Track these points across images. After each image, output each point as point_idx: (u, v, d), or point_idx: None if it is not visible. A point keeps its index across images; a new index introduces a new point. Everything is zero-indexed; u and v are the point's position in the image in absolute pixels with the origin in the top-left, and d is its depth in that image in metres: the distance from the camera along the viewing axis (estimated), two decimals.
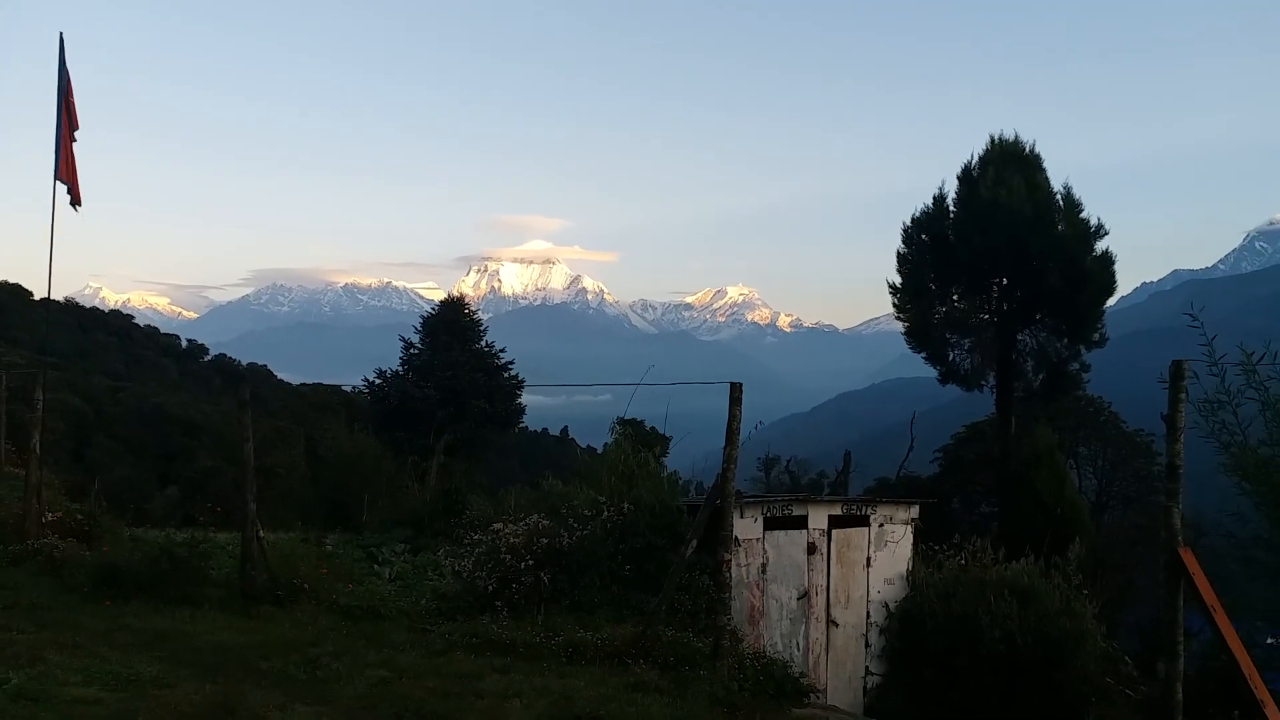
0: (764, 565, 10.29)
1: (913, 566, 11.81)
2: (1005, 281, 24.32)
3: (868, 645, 11.40)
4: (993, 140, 24.58)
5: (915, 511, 12.06)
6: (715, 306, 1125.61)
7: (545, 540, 9.96)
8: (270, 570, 10.18)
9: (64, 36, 11.38)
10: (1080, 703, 10.40)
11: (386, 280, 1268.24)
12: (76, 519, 12.62)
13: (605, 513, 10.11)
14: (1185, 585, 6.39)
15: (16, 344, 55.40)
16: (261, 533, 10.38)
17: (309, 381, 70.97)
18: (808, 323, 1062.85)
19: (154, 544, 11.03)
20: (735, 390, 8.16)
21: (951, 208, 24.80)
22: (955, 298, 24.99)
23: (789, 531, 10.56)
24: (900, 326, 25.79)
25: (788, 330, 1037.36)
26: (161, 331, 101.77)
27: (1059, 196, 23.89)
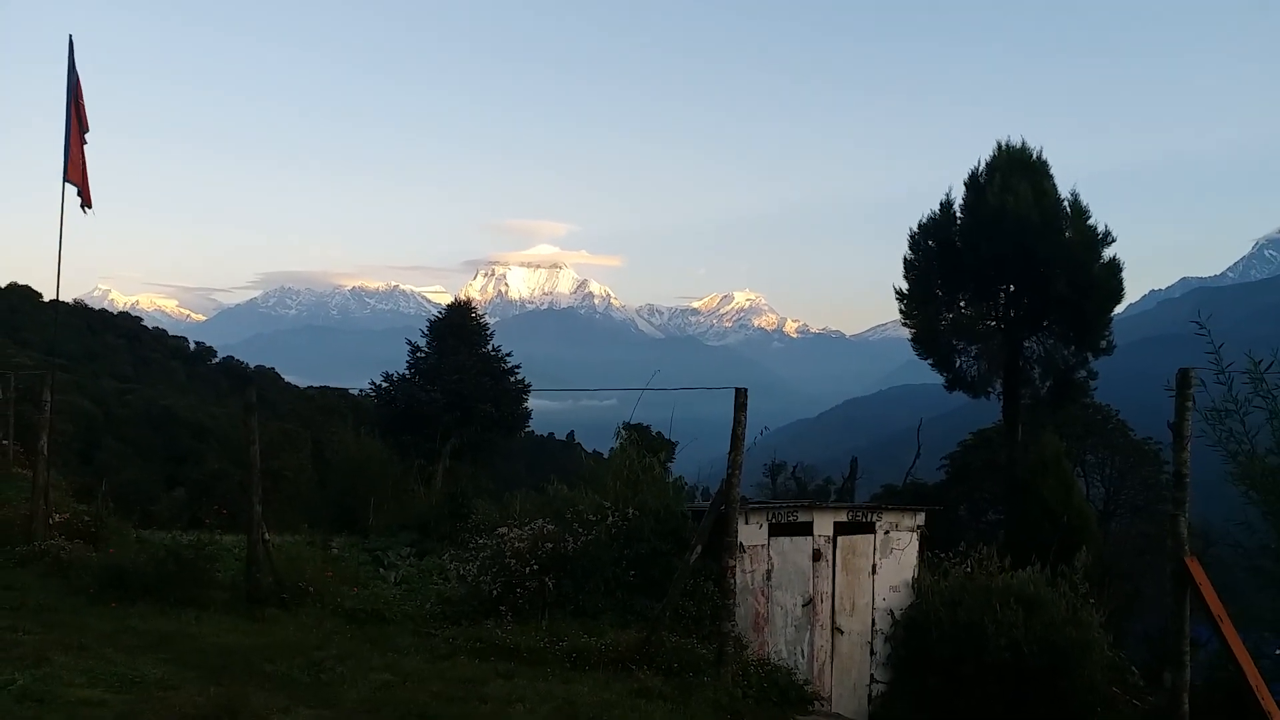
0: (769, 572, 10.27)
1: (918, 574, 11.76)
2: (1012, 288, 24.26)
3: (873, 653, 11.36)
4: (1000, 146, 24.54)
5: (921, 519, 12.02)
6: (722, 312, 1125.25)
7: (550, 545, 9.96)
8: (275, 573, 10.19)
9: (73, 39, 11.45)
10: (1086, 712, 10.34)
11: (394, 284, 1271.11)
12: (84, 520, 12.66)
13: (610, 518, 10.11)
14: (1192, 595, 6.37)
15: (26, 345, 55.66)
16: (267, 535, 10.41)
17: (316, 384, 71.11)
18: (815, 328, 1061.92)
19: (160, 546, 11.06)
20: (740, 396, 8.15)
21: (958, 214, 24.76)
22: (962, 304, 24.94)
23: (794, 538, 10.53)
24: (907, 333, 25.75)
25: (795, 336, 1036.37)
26: (170, 334, 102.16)
27: (1066, 203, 23.81)
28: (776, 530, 10.34)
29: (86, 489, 18.79)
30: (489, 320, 37.95)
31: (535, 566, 9.73)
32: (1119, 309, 24.80)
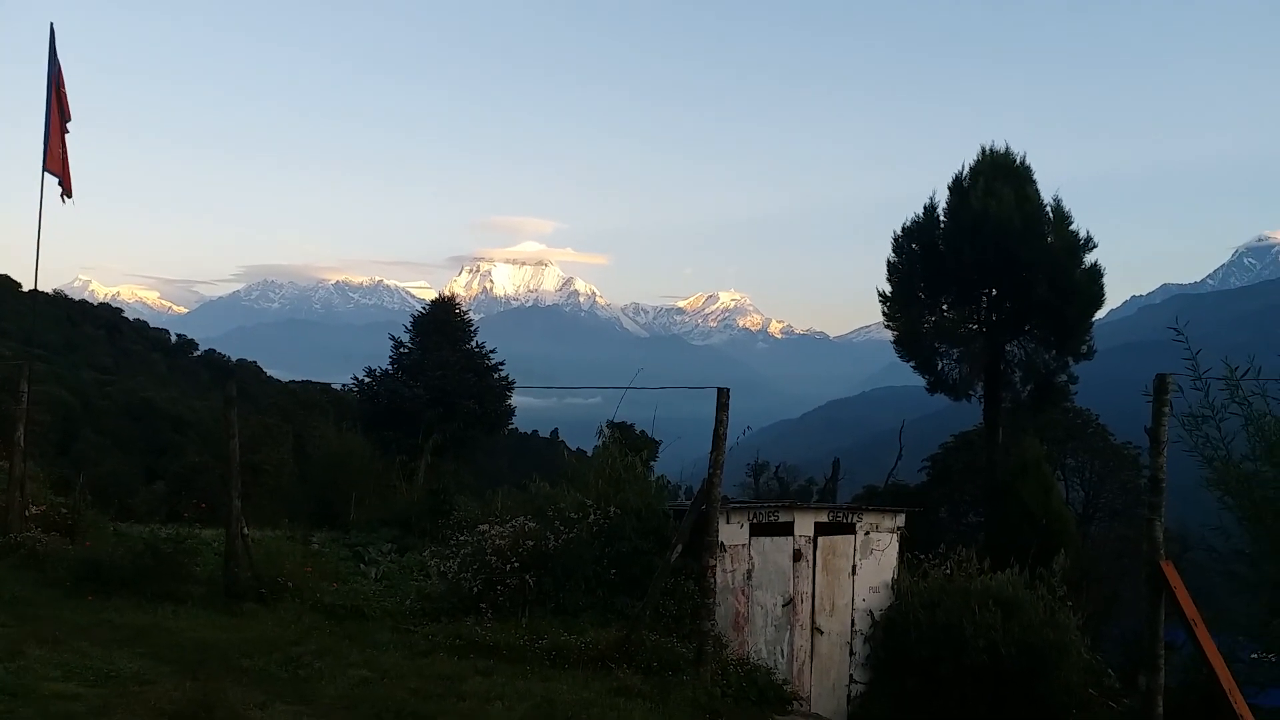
0: (749, 571, 10.30)
1: (898, 575, 11.82)
2: (994, 292, 24.45)
3: (852, 653, 11.41)
4: (983, 151, 24.72)
5: (901, 520, 12.08)
6: (707, 311, 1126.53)
7: (531, 543, 9.94)
8: (254, 568, 10.15)
9: (54, 28, 11.34)
10: (1062, 714, 10.43)
11: (378, 279, 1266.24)
12: (60, 513, 12.55)
13: (592, 516, 10.10)
14: (1166, 599, 6.42)
15: (4, 336, 55.15)
16: (246, 530, 10.35)
17: (298, 379, 70.79)
18: (799, 329, 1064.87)
19: (138, 540, 10.98)
20: (722, 395, 8.17)
21: (942, 218, 24.92)
22: (945, 307, 25.10)
23: (775, 538, 10.56)
24: (890, 335, 25.88)
25: (779, 336, 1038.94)
26: (151, 326, 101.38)
27: (1049, 208, 24.02)
28: (757, 530, 10.36)
29: (64, 481, 18.59)
30: (473, 317, 37.86)
31: (516, 564, 9.71)
32: (1100, 314, 25.03)
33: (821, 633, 11.02)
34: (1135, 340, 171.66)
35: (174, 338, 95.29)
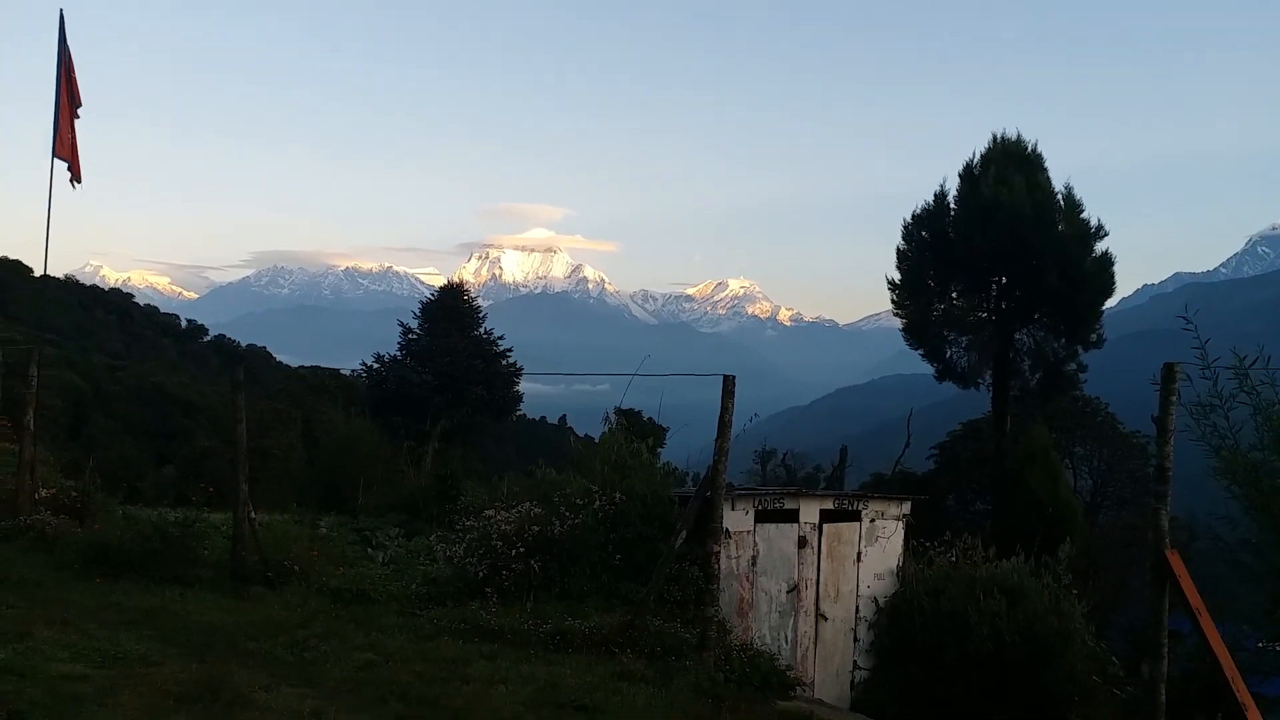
0: (754, 558, 10.30)
1: (903, 562, 11.82)
2: (1004, 280, 24.32)
3: (856, 640, 11.42)
4: (995, 139, 24.56)
5: (907, 507, 12.07)
6: (716, 299, 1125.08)
7: (537, 528, 9.98)
8: (261, 551, 10.21)
9: (64, 14, 11.34)
10: (1065, 701, 10.43)
11: (388, 265, 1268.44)
12: (70, 496, 12.64)
13: (597, 502, 10.12)
14: (1171, 587, 6.41)
15: (16, 320, 55.42)
16: (253, 514, 10.41)
17: (308, 364, 71.04)
18: (808, 317, 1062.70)
19: (146, 523, 11.06)
20: (728, 382, 8.17)
21: (952, 205, 24.77)
22: (954, 295, 24.99)
23: (780, 525, 10.56)
24: (899, 323, 25.80)
25: (788, 324, 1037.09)
26: (161, 311, 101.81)
27: (1060, 196, 23.87)
28: (763, 517, 10.37)
29: (75, 465, 18.75)
30: (483, 303, 37.96)
31: (521, 549, 9.75)
32: (1111, 303, 24.88)
33: (826, 619, 11.03)
34: (1147, 329, 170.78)
35: (184, 323, 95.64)
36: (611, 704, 6.78)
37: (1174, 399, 6.47)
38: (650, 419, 23.25)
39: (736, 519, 10.00)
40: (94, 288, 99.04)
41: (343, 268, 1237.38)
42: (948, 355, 24.93)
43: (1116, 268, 23.56)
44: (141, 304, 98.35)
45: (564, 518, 10.06)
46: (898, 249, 25.36)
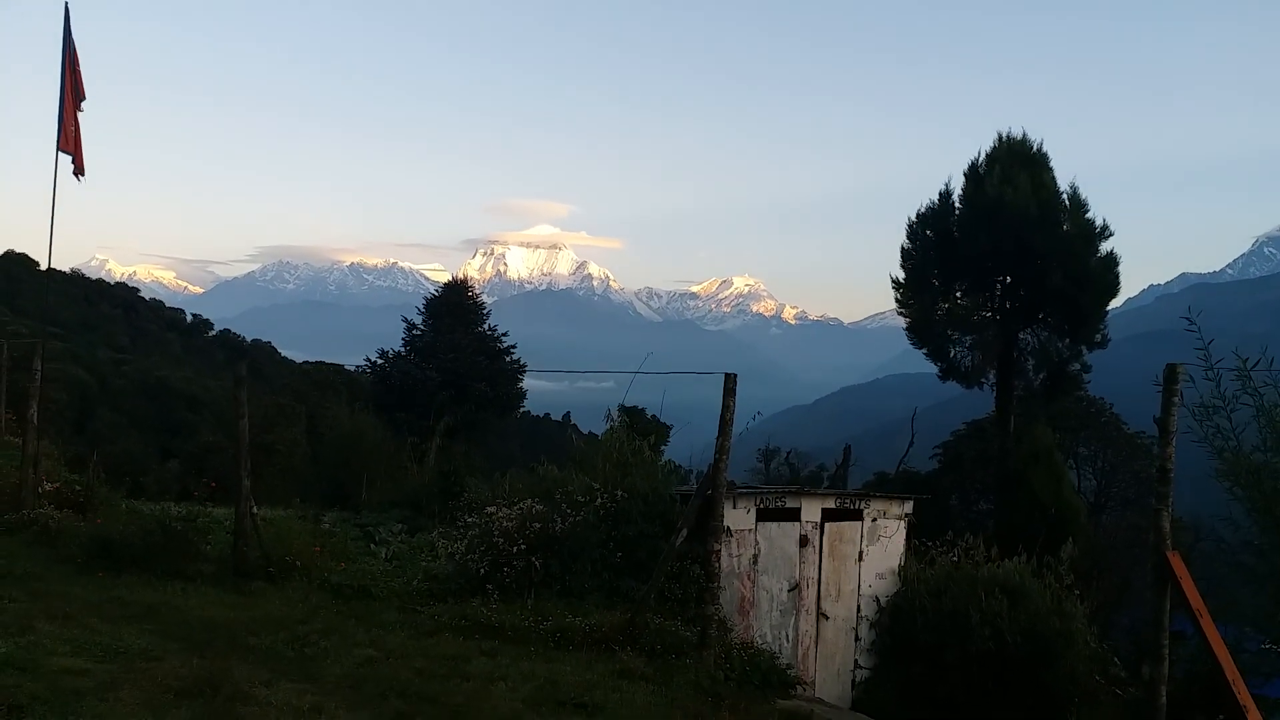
0: (755, 556, 10.30)
1: (905, 562, 11.81)
2: (1008, 280, 24.27)
3: (857, 639, 11.41)
4: (1000, 138, 24.49)
5: (909, 507, 12.06)
6: (721, 296, 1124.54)
7: (538, 525, 9.98)
8: (263, 547, 10.22)
9: (69, 7, 11.36)
10: (1066, 702, 10.42)
11: (393, 260, 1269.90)
12: (74, 490, 12.68)
13: (599, 499, 10.12)
14: (1173, 589, 6.40)
15: (22, 314, 55.54)
16: (255, 509, 10.42)
17: (312, 359, 71.13)
18: (813, 315, 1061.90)
19: (149, 517, 11.08)
20: (729, 381, 8.16)
21: (957, 204, 24.73)
22: (958, 294, 24.95)
23: (782, 523, 10.56)
24: (904, 322, 25.77)
25: (792, 322, 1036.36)
26: (167, 305, 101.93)
27: (1065, 196, 23.80)
28: (764, 515, 10.36)
29: (79, 458, 18.78)
30: (487, 300, 37.94)
31: (523, 546, 9.76)
32: (1117, 303, 24.81)
33: (827, 618, 11.03)
34: (1152, 329, 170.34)
35: (190, 317, 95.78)
36: (611, 702, 6.79)
37: (1176, 400, 6.44)
38: (654, 416, 23.25)
39: (738, 517, 10.00)
40: (100, 281, 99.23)
41: (348, 263, 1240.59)
42: (952, 355, 24.89)
43: (1122, 268, 23.50)
44: (147, 298, 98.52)
45: (565, 515, 10.07)
46: (902, 248, 25.33)
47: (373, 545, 13.98)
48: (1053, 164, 24.19)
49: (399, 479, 21.88)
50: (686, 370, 9.91)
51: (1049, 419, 23.79)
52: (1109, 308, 24.11)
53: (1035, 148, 24.28)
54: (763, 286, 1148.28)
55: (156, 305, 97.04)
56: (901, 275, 25.23)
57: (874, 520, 11.54)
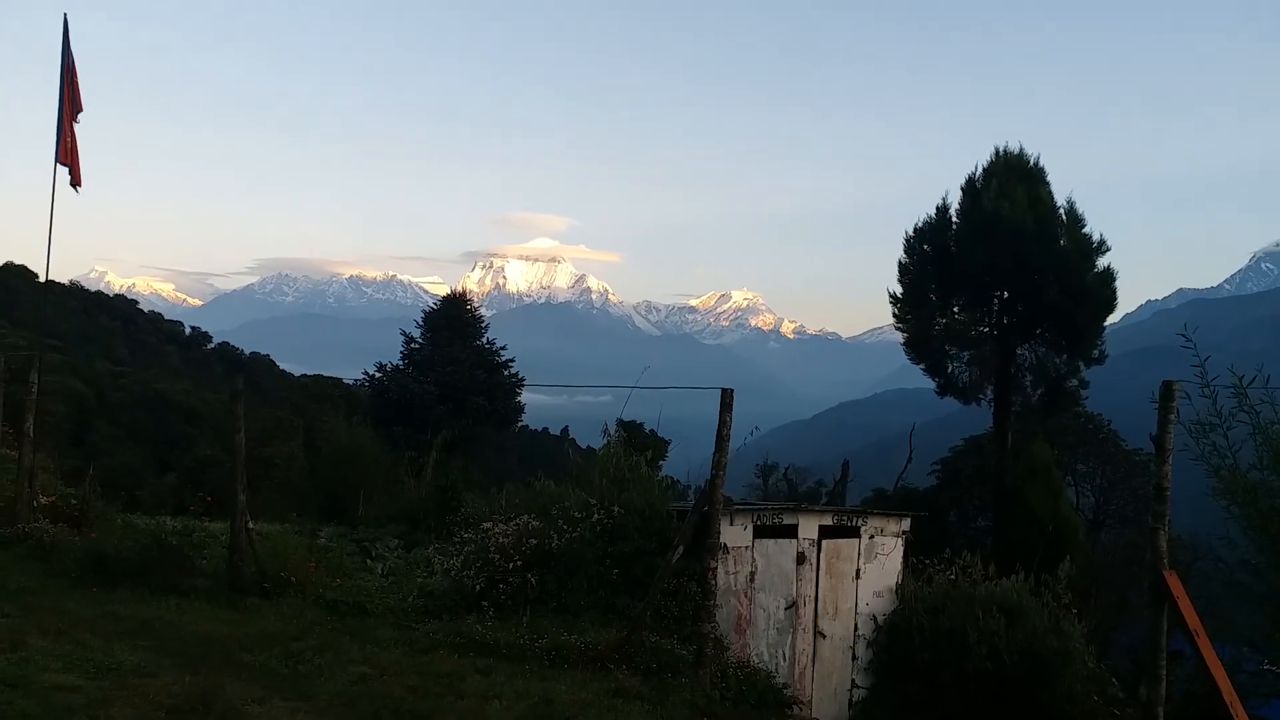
0: (752, 574, 10.27)
1: (902, 580, 11.77)
2: (1006, 295, 24.32)
3: (854, 658, 11.36)
4: (997, 152, 24.58)
5: (906, 524, 12.03)
6: (719, 310, 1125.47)
7: (534, 541, 9.94)
8: (259, 562, 10.17)
9: (68, 19, 11.40)
10: None
11: (392, 273, 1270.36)
12: (69, 504, 12.63)
13: (595, 515, 10.08)
14: (1170, 608, 6.38)
15: (20, 326, 55.54)
16: (251, 524, 10.38)
17: (310, 372, 71.11)
18: (811, 330, 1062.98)
19: (145, 531, 11.04)
20: (726, 396, 8.15)
21: (954, 219, 24.80)
22: (956, 309, 24.99)
23: (779, 540, 10.53)
24: (902, 337, 25.79)
25: (791, 337, 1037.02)
26: (166, 318, 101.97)
27: (1062, 211, 23.88)
28: (761, 532, 10.33)
29: (76, 472, 18.74)
30: (485, 313, 37.93)
31: (519, 562, 9.71)
32: (1114, 318, 24.86)
33: (824, 636, 10.98)
34: (1150, 345, 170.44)
35: (188, 330, 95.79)
36: None
37: (1172, 417, 6.44)
38: (651, 431, 23.22)
39: (735, 534, 9.97)
40: (98, 294, 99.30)
41: (347, 276, 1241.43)
42: (949, 370, 24.91)
43: (1121, 283, 23.58)
44: (146, 310, 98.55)
45: (562, 531, 10.03)
46: (899, 262, 25.39)
47: (369, 561, 13.94)
48: (1050, 179, 24.32)
49: (396, 493, 21.84)
50: (685, 385, 9.90)
51: (1047, 435, 23.78)
52: (1106, 323, 24.16)
53: (1032, 162, 24.37)
54: (761, 301, 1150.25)
55: (155, 317, 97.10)
56: (899, 290, 25.28)
57: (871, 538, 11.51)
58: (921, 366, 25.24)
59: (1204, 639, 6.29)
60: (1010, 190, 23.21)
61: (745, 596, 10.18)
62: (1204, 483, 7.71)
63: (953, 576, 11.62)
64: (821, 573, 10.97)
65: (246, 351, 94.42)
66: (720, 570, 9.01)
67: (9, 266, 74.26)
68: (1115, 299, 23.60)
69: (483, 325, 35.37)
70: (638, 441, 14.67)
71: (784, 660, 10.51)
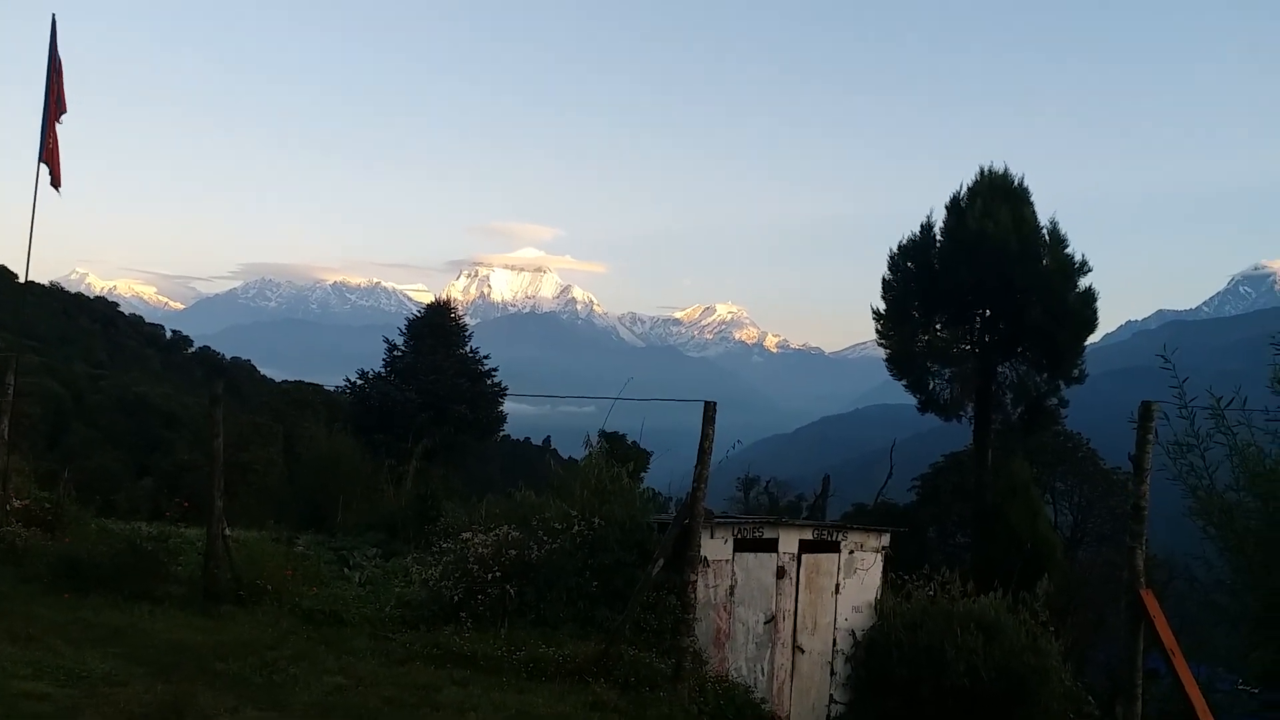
0: (732, 587, 10.26)
1: (881, 595, 11.78)
2: (988, 313, 24.48)
3: (833, 673, 11.35)
4: (982, 172, 24.77)
5: (886, 540, 12.05)
6: (704, 323, 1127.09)
7: (514, 552, 9.89)
8: (234, 569, 10.08)
9: (56, 19, 11.32)
10: None
11: (376, 280, 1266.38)
12: (44, 507, 12.45)
13: (576, 527, 10.04)
14: (1146, 627, 6.40)
15: None
16: (228, 530, 10.29)
17: (292, 378, 70.70)
18: (795, 344, 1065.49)
19: (120, 537, 10.91)
20: (708, 410, 8.15)
21: (938, 237, 24.96)
22: (938, 327, 25.12)
23: (759, 554, 10.53)
24: (884, 353, 25.89)
25: (774, 350, 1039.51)
26: (147, 321, 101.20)
27: (1045, 231, 24.08)
28: (742, 546, 10.33)
29: (51, 475, 18.50)
30: (469, 321, 37.86)
31: (498, 573, 9.66)
32: (1094, 338, 25.04)
33: (803, 651, 10.97)
34: (1130, 365, 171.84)
35: (169, 333, 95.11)
36: None
37: (1151, 438, 6.48)
38: (634, 443, 23.19)
39: (715, 547, 9.96)
40: (78, 295, 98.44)
41: (331, 282, 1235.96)
42: (931, 387, 25.03)
43: (1101, 303, 23.78)
44: (127, 313, 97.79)
45: (542, 542, 9.98)
46: (883, 279, 25.51)
47: (346, 569, 13.82)
48: (1034, 199, 24.52)
49: (375, 502, 21.67)
50: (668, 397, 9.90)
51: (1026, 453, 23.93)
52: (1087, 343, 24.34)
53: (1016, 182, 24.57)
54: (745, 314, 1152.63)
55: (136, 320, 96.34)
56: (883, 306, 25.40)
57: (851, 553, 11.52)
58: (903, 383, 25.35)
59: (1179, 658, 6.32)
60: (994, 210, 23.39)
61: (725, 610, 10.16)
62: (1180, 502, 7.75)
63: (931, 593, 11.64)
64: (801, 587, 10.96)
65: (228, 356, 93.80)
66: (700, 584, 8.99)
67: None
68: (1096, 319, 23.81)
69: (466, 334, 35.29)
70: (620, 453, 14.64)
71: (762, 675, 10.49)
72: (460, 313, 37.19)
